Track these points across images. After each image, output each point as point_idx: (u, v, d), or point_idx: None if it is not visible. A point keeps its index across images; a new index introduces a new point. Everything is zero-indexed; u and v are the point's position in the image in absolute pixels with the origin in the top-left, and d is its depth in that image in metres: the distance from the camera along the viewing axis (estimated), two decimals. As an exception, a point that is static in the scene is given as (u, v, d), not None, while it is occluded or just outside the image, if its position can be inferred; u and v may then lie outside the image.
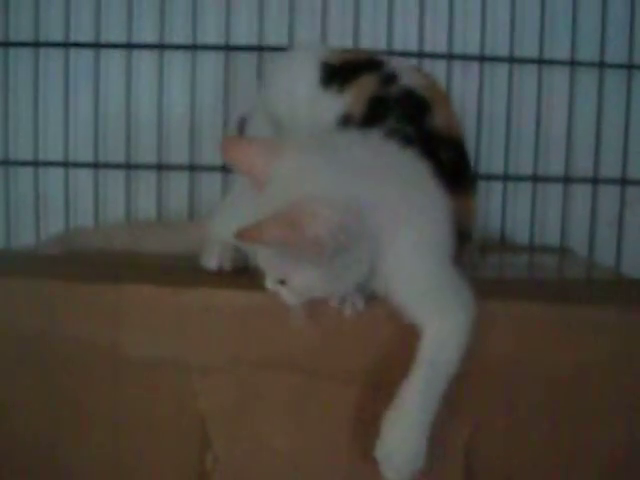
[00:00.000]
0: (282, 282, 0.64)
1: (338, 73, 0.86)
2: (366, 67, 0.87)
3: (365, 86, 0.85)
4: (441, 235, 0.65)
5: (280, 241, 0.59)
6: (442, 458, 0.68)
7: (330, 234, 0.59)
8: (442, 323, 0.64)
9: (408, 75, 0.86)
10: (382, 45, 1.14)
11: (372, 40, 1.15)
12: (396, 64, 0.88)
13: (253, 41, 1.15)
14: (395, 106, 0.82)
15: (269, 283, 0.65)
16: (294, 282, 0.63)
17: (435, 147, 0.80)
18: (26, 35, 1.15)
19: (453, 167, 0.81)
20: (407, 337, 0.67)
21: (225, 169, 1.13)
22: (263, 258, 0.64)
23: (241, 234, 0.58)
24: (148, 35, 1.15)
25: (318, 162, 0.64)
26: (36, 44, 1.15)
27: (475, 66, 1.15)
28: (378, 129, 0.79)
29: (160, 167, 1.17)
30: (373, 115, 0.81)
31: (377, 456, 0.63)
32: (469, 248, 0.81)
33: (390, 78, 0.85)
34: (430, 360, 0.63)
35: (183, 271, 0.80)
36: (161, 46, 1.15)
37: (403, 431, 0.63)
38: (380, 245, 0.62)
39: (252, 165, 0.65)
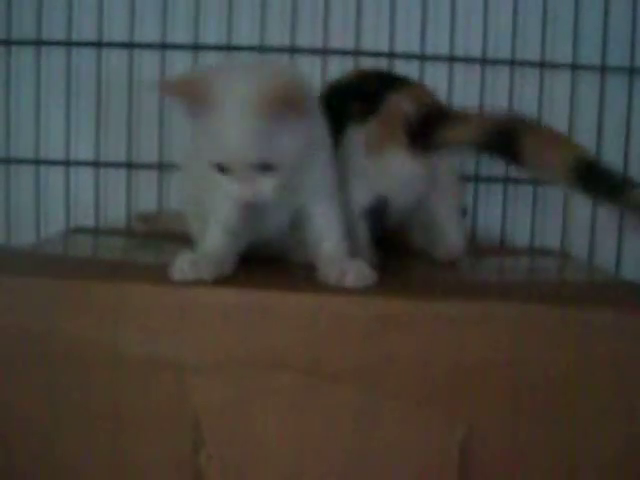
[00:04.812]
0: (266, 169, 0.69)
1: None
2: None
3: None
4: None
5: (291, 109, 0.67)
6: (437, 459, 0.69)
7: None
8: None
9: None
10: (384, 47, 1.15)
11: (374, 42, 1.15)
12: None
13: (255, 41, 1.15)
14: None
15: (245, 176, 0.70)
16: (286, 152, 0.69)
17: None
18: (28, 33, 1.16)
19: None
20: (403, 335, 0.67)
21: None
22: (253, 143, 0.68)
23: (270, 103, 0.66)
24: (150, 34, 1.16)
25: None
26: (38, 42, 1.16)
27: (477, 69, 1.15)
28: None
29: (162, 166, 1.17)
30: None
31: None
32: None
33: None
34: None
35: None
36: (163, 45, 1.15)
37: None
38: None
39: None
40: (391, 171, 0.80)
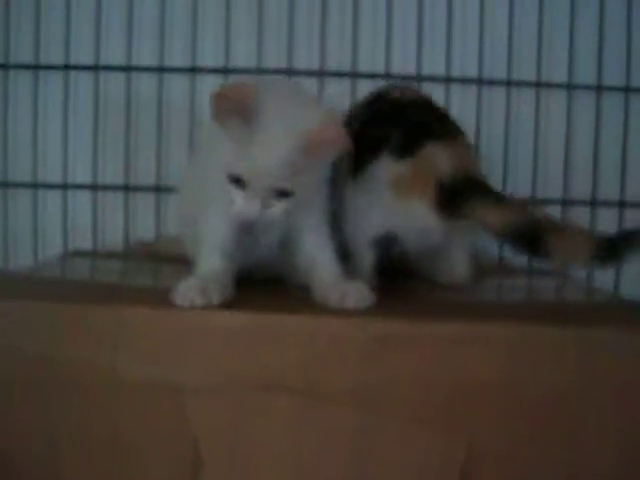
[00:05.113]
0: (280, 195, 0.71)
1: None
2: None
3: None
4: None
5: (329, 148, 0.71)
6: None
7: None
8: None
9: None
10: (380, 68, 1.15)
11: (370, 63, 1.16)
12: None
13: (252, 64, 1.15)
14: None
15: (259, 201, 0.71)
16: (304, 185, 0.72)
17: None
18: (26, 57, 1.16)
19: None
20: (402, 356, 0.67)
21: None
22: (276, 169, 0.69)
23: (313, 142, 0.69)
24: (148, 57, 1.16)
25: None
26: (36, 66, 1.16)
27: (473, 89, 1.16)
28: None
29: (159, 189, 1.17)
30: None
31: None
32: None
33: None
34: None
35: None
36: (161, 69, 1.16)
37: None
38: None
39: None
40: (412, 220, 0.79)
